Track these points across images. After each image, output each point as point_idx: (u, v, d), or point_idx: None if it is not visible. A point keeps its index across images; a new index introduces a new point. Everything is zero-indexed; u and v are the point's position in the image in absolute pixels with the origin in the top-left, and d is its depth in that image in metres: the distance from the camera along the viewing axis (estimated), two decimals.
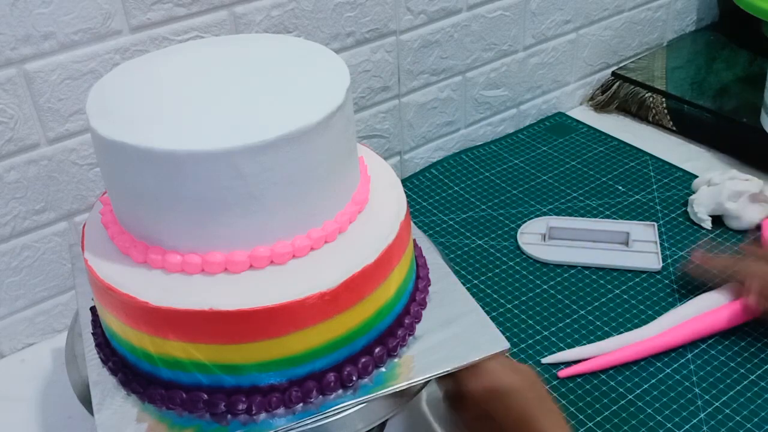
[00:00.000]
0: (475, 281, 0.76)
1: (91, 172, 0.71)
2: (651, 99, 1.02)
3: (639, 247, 0.78)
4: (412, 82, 0.90)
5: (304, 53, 0.51)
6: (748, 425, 0.60)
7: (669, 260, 0.77)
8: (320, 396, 0.46)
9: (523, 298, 0.74)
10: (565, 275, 0.76)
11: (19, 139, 0.66)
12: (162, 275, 0.45)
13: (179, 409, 0.46)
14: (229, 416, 0.45)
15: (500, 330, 0.51)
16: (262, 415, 0.45)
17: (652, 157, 0.94)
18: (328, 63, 0.50)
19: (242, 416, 0.45)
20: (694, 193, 0.84)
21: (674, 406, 0.62)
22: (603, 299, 0.73)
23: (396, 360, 0.49)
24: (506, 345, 0.50)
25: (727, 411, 0.61)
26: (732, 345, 0.67)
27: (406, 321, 0.50)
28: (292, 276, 0.45)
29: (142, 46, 0.69)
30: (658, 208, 0.85)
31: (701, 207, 0.81)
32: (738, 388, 0.63)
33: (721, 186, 0.81)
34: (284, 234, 0.45)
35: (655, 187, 0.89)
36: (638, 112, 1.04)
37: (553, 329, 0.70)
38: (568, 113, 1.06)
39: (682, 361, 0.66)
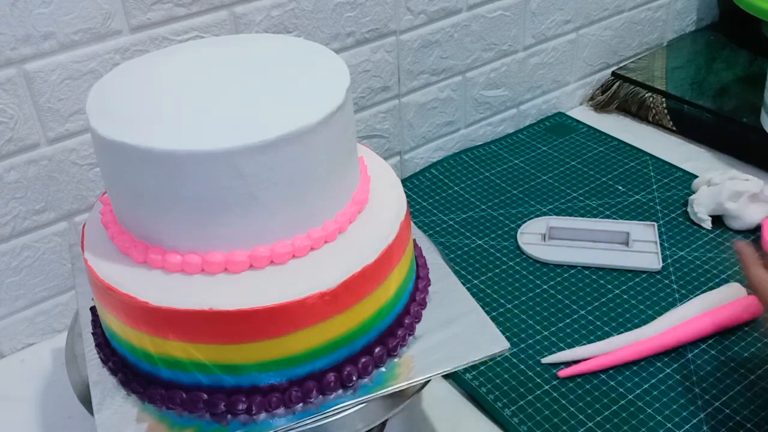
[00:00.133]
0: (475, 281, 0.76)
1: (91, 172, 0.71)
2: (651, 99, 1.02)
3: (639, 247, 0.78)
4: (412, 82, 0.90)
5: (304, 53, 0.51)
6: (748, 425, 0.60)
7: (669, 260, 0.77)
8: (320, 396, 0.46)
9: (523, 298, 0.74)
10: (565, 275, 0.76)
11: (19, 139, 0.66)
12: (162, 275, 0.45)
13: (179, 409, 0.46)
14: (229, 416, 0.45)
15: (500, 330, 0.50)
16: (262, 415, 0.45)
17: (652, 157, 0.94)
18: (328, 63, 0.50)
19: (242, 416, 0.45)
20: (694, 193, 0.84)
21: (674, 406, 0.62)
22: (603, 299, 0.73)
23: (396, 360, 0.49)
24: (506, 345, 0.50)
25: (727, 411, 0.61)
26: (732, 345, 0.67)
27: (406, 321, 0.50)
28: (292, 276, 0.45)
29: (142, 46, 0.69)
30: (658, 208, 0.85)
31: (701, 207, 0.81)
32: (738, 388, 0.63)
33: (721, 186, 0.81)
34: (284, 234, 0.45)
35: (655, 187, 0.89)
36: (638, 112, 1.04)
37: (553, 329, 0.70)
38: (568, 113, 1.06)
39: (682, 361, 0.66)
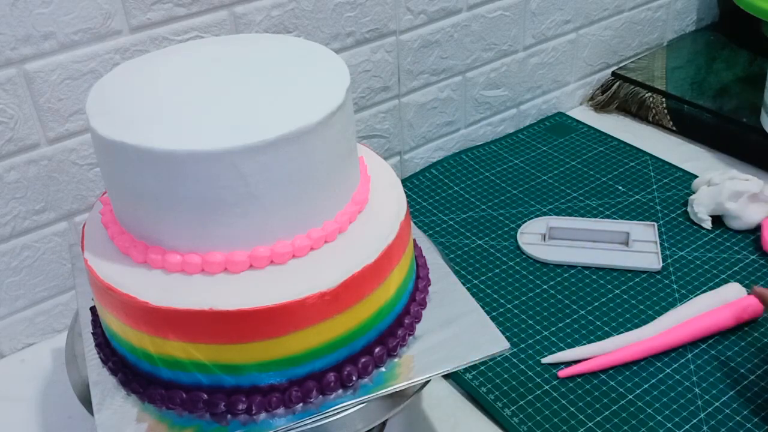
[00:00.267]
0: (475, 281, 0.76)
1: (91, 172, 0.71)
2: (651, 99, 1.02)
3: (639, 247, 0.78)
4: (412, 82, 0.90)
5: (304, 53, 0.51)
6: (748, 425, 0.60)
7: (669, 260, 0.77)
8: (320, 396, 0.46)
9: (523, 298, 0.74)
10: (565, 275, 0.76)
11: (19, 139, 0.66)
12: (162, 275, 0.45)
13: (179, 409, 0.46)
14: (229, 416, 0.45)
15: (500, 330, 0.50)
16: (262, 415, 0.45)
17: (652, 157, 0.94)
18: (328, 63, 0.50)
19: (242, 416, 0.45)
20: (694, 193, 0.84)
21: (674, 406, 0.62)
22: (603, 299, 0.73)
23: (396, 360, 0.49)
24: (506, 345, 0.50)
25: (727, 411, 0.61)
26: (732, 345, 0.67)
27: (406, 321, 0.50)
28: (292, 276, 0.45)
29: (142, 46, 0.69)
30: (658, 208, 0.85)
31: (701, 207, 0.81)
32: (738, 388, 0.63)
33: (721, 186, 0.81)
34: (284, 234, 0.45)
35: (655, 187, 0.89)
36: (638, 112, 1.04)
37: (553, 329, 0.70)
38: (568, 113, 1.06)
39: (682, 361, 0.66)
